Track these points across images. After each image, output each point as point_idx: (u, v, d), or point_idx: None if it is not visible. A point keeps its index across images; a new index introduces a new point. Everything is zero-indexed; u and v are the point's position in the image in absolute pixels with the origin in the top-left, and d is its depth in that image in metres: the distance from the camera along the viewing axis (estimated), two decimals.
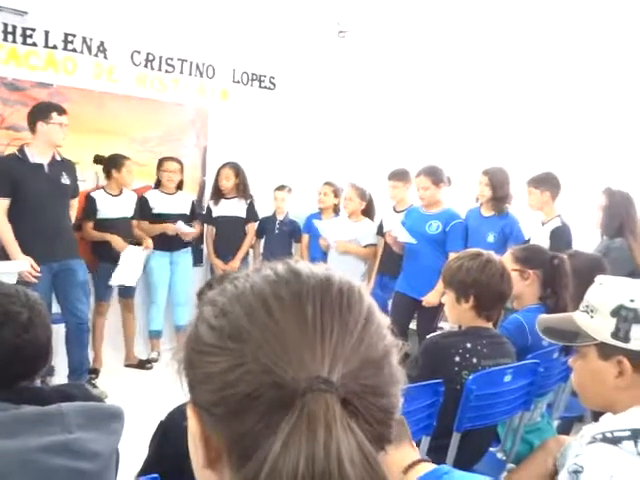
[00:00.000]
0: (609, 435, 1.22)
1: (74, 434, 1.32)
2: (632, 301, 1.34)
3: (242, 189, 5.43)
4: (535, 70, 4.93)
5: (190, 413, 0.63)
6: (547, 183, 4.33)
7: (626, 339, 1.33)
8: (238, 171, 5.40)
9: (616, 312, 1.35)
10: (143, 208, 5.07)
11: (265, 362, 0.56)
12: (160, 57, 5.32)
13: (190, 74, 5.50)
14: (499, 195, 4.48)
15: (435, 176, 4.54)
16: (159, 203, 5.12)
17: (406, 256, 4.70)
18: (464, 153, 5.32)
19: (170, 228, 5.06)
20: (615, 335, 1.34)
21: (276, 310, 0.59)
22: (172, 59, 5.39)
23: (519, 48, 5.01)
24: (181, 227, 5.08)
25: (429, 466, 1.05)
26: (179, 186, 5.21)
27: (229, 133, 5.70)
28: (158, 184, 5.17)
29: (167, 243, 5.10)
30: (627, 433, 1.20)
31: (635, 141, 4.45)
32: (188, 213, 5.25)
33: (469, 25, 5.26)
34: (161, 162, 5.14)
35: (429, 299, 4.44)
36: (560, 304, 2.71)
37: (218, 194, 5.44)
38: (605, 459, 1.21)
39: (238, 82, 5.79)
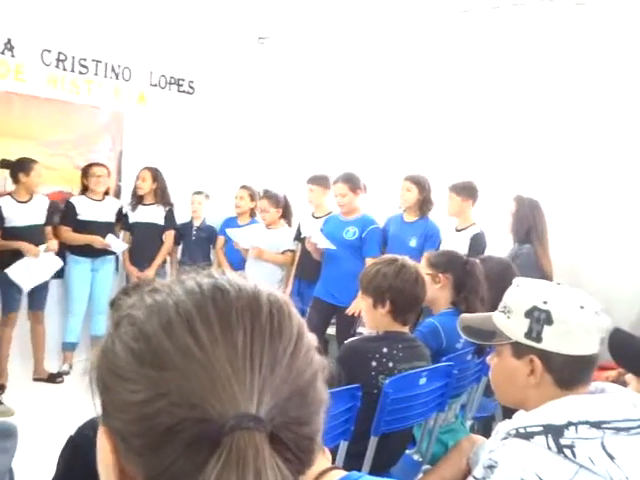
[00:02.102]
0: (522, 431, 1.26)
1: None
2: (545, 303, 1.39)
3: (161, 195, 5.32)
4: (450, 76, 5.08)
5: (103, 438, 0.58)
6: (469, 191, 4.49)
7: (538, 339, 1.38)
8: (157, 176, 5.29)
9: (530, 313, 1.39)
10: (68, 214, 4.90)
11: (190, 395, 0.52)
12: (73, 57, 5.13)
13: (105, 76, 5.34)
14: (425, 199, 4.60)
15: (352, 183, 4.60)
16: (85, 209, 4.96)
17: (324, 262, 4.73)
18: (382, 160, 5.41)
19: (97, 242, 4.91)
20: (528, 335, 1.39)
21: (204, 337, 0.54)
22: (85, 59, 5.21)
23: (435, 50, 5.15)
24: (112, 242, 4.95)
25: (340, 473, 1.05)
26: (106, 192, 5.10)
27: (146, 137, 5.56)
28: (84, 190, 5.01)
29: (89, 249, 4.94)
30: (539, 428, 1.24)
31: (546, 149, 4.65)
32: (114, 220, 5.12)
33: (386, 29, 5.36)
34: (89, 167, 5.01)
35: (353, 308, 4.44)
36: (470, 307, 2.79)
37: (136, 200, 5.30)
38: (518, 454, 1.24)
39: (155, 85, 5.67)
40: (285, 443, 0.54)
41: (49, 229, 4.79)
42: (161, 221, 5.36)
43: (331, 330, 4.79)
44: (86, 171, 4.99)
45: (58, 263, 4.70)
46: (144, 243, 5.31)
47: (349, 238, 4.61)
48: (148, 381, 0.54)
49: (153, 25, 5.45)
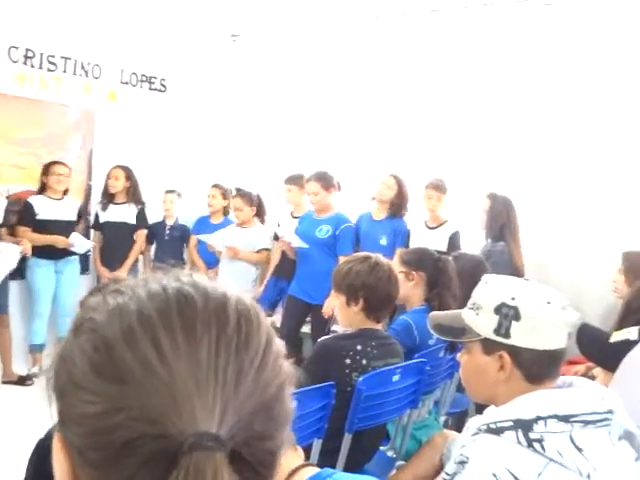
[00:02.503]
0: (493, 426, 1.28)
1: None
2: (513, 299, 1.40)
3: (133, 194, 5.26)
4: (422, 74, 5.11)
5: (58, 446, 0.56)
6: (444, 189, 4.54)
7: (507, 335, 1.39)
8: (129, 174, 5.23)
9: (498, 309, 1.41)
10: (26, 214, 4.77)
11: (149, 410, 0.50)
12: (41, 54, 5.05)
13: (74, 73, 5.26)
14: (400, 202, 4.63)
15: (325, 181, 4.61)
16: (44, 209, 4.83)
17: (298, 260, 4.74)
18: (355, 158, 5.42)
19: (60, 241, 4.81)
20: (497, 331, 1.40)
21: (166, 349, 0.52)
22: (54, 56, 5.13)
23: (406, 49, 5.17)
24: (76, 241, 4.84)
25: (312, 470, 1.05)
26: (65, 191, 4.96)
27: (117, 136, 5.50)
28: (42, 189, 4.87)
29: (51, 251, 4.83)
30: (509, 423, 1.26)
31: (516, 147, 4.70)
32: (75, 219, 5.02)
33: (357, 27, 5.38)
34: (49, 166, 4.86)
35: (328, 307, 4.43)
36: (443, 304, 2.82)
37: (107, 199, 5.23)
38: (489, 449, 1.26)
39: (127, 83, 5.61)
40: (246, 460, 0.53)
41: (3, 230, 4.64)
42: (133, 220, 5.30)
43: (306, 328, 4.79)
44: (47, 169, 4.85)
45: (17, 254, 4.53)
46: (115, 243, 5.25)
47: (322, 236, 4.62)
48: (106, 394, 0.52)
49: (124, 22, 5.38)
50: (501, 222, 4.23)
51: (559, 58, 4.51)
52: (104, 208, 5.25)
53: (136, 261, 5.40)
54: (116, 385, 0.52)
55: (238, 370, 0.54)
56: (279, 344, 0.60)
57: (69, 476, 0.55)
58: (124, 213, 5.27)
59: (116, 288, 0.59)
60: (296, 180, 4.98)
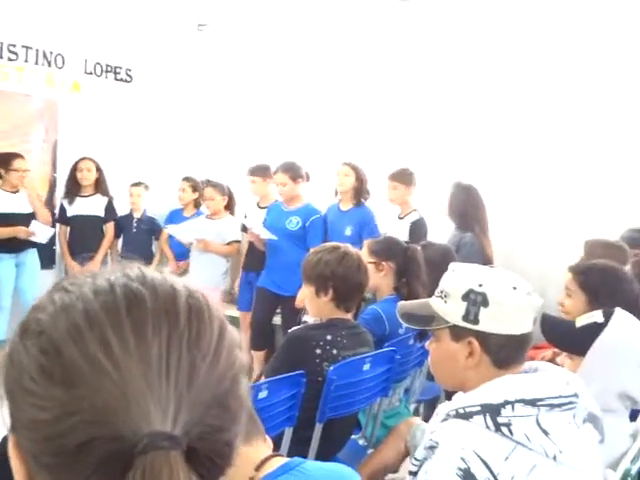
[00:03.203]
0: (461, 411, 1.29)
1: None
2: (480, 285, 1.42)
3: (101, 186, 5.18)
4: (386, 63, 5.11)
5: (12, 451, 0.55)
6: (408, 178, 4.54)
7: (475, 321, 1.41)
8: (98, 166, 5.15)
9: (466, 296, 1.42)
10: None
11: (102, 413, 0.50)
12: (1, 43, 4.92)
13: (37, 63, 5.15)
14: (361, 186, 4.62)
15: (293, 172, 4.58)
16: (2, 202, 4.71)
17: (268, 252, 4.71)
18: (323, 148, 5.41)
19: (22, 232, 4.70)
20: (466, 318, 1.42)
21: (117, 351, 0.51)
22: (15, 46, 5.00)
23: (368, 37, 5.17)
24: (37, 229, 4.73)
25: (281, 460, 1.06)
26: None
27: (82, 127, 5.39)
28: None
29: (11, 243, 4.72)
30: (477, 408, 1.28)
31: (482, 136, 4.75)
32: (32, 211, 4.87)
33: (321, 17, 5.36)
34: (8, 159, 4.71)
35: (300, 298, 4.41)
36: (412, 293, 2.84)
37: (74, 191, 5.14)
38: (458, 433, 1.28)
39: (91, 73, 5.51)
40: (202, 454, 0.53)
41: None
42: (101, 213, 5.22)
43: (277, 320, 4.78)
44: (5, 162, 4.67)
45: None
46: (84, 236, 5.16)
47: (292, 228, 4.60)
48: (56, 399, 0.51)
49: (88, 10, 5.27)
50: (461, 210, 4.25)
51: (523, 48, 4.56)
52: (71, 202, 5.15)
53: (105, 255, 5.33)
54: (66, 389, 0.51)
55: (190, 366, 0.53)
56: (233, 334, 0.59)
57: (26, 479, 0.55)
58: (92, 206, 5.18)
59: (63, 286, 0.58)
60: (260, 171, 4.94)
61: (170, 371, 0.52)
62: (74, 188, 5.15)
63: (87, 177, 5.10)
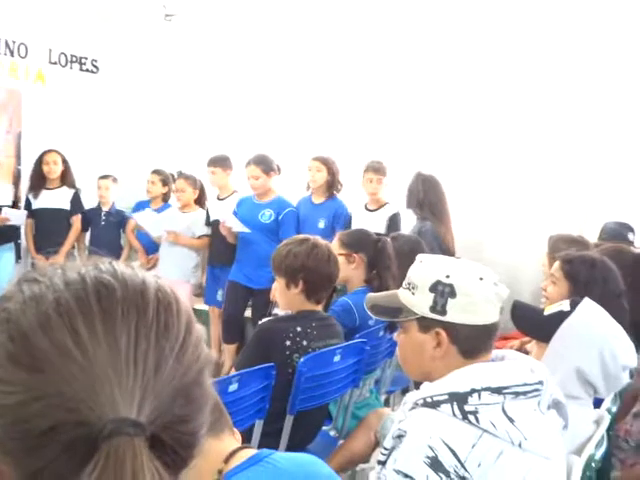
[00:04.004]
0: (429, 400, 1.31)
1: None
2: (448, 277, 1.43)
3: (67, 178, 5.10)
4: (356, 55, 5.12)
5: None
6: (384, 171, 4.55)
7: (443, 312, 1.42)
8: (64, 158, 5.07)
9: (434, 287, 1.43)
10: None
11: (68, 398, 0.51)
12: None
13: None
14: (333, 178, 4.62)
15: (265, 165, 4.56)
16: None
17: (239, 245, 4.68)
18: (292, 140, 5.40)
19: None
20: (433, 309, 1.43)
21: (85, 338, 0.52)
22: None
23: (338, 29, 5.17)
24: (9, 214, 4.69)
25: (250, 452, 1.06)
26: None
27: (47, 118, 5.30)
28: None
29: None
30: (445, 397, 1.29)
31: (450, 128, 4.79)
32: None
33: (289, 7, 5.34)
34: None
35: (274, 292, 4.40)
36: (383, 285, 2.85)
37: (40, 184, 5.05)
38: (425, 422, 1.29)
39: (55, 63, 5.41)
40: (166, 443, 0.54)
41: None
42: (67, 206, 5.14)
43: (248, 313, 4.77)
44: None
45: None
46: (50, 230, 5.08)
47: (265, 221, 4.58)
48: (23, 383, 0.52)
49: None
50: (417, 198, 4.29)
51: (482, 40, 4.60)
52: (36, 195, 5.06)
53: (72, 248, 5.25)
54: (33, 374, 0.52)
55: (158, 357, 0.54)
56: (199, 330, 0.61)
57: None
58: (58, 199, 5.10)
59: (33, 277, 0.58)
60: (219, 162, 4.90)
61: (138, 361, 0.53)
62: (40, 181, 5.06)
63: (54, 170, 5.02)
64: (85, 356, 0.52)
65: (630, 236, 3.89)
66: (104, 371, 0.52)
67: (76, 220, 5.21)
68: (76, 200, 5.18)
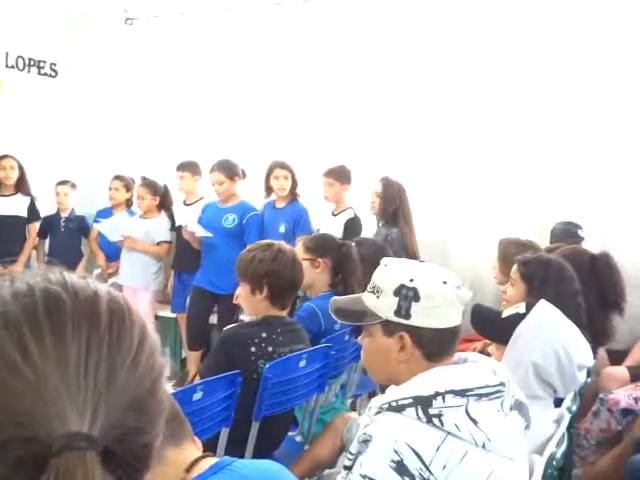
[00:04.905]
0: (394, 404, 1.31)
1: None
2: (412, 281, 1.44)
3: (23, 185, 5.00)
4: (315, 60, 5.11)
5: None
6: (344, 176, 4.55)
7: (407, 316, 1.43)
8: (20, 164, 4.96)
9: (398, 291, 1.44)
10: None
11: (16, 414, 0.49)
12: None
13: None
14: (295, 184, 4.62)
15: (229, 170, 4.54)
16: None
17: (204, 251, 4.65)
18: (255, 145, 5.37)
19: None
20: (397, 313, 1.44)
21: (34, 352, 0.51)
22: None
23: (295, 33, 5.16)
24: None
25: (211, 460, 1.05)
26: None
27: (4, 123, 5.19)
28: None
29: None
30: (409, 401, 1.30)
31: (412, 131, 4.81)
32: None
33: (251, 13, 5.32)
34: None
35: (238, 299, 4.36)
36: (348, 289, 2.86)
37: None
38: (390, 426, 1.30)
39: (13, 67, 5.31)
40: (120, 457, 0.53)
41: None
42: (24, 213, 5.04)
43: (213, 319, 4.73)
44: None
45: None
46: (6, 238, 4.97)
47: (228, 225, 4.56)
48: None
49: (8, 2, 5.07)
50: (394, 206, 4.31)
51: (444, 43, 4.65)
52: None
53: (29, 257, 5.14)
54: None
55: (110, 369, 0.54)
56: (154, 340, 0.60)
57: None
58: (14, 206, 5.00)
59: None
60: (188, 167, 4.86)
61: (88, 373, 0.52)
62: None
63: (10, 175, 4.92)
64: (34, 370, 0.51)
65: (580, 232, 3.97)
66: (54, 385, 0.51)
67: (33, 228, 5.13)
68: (32, 208, 5.09)
